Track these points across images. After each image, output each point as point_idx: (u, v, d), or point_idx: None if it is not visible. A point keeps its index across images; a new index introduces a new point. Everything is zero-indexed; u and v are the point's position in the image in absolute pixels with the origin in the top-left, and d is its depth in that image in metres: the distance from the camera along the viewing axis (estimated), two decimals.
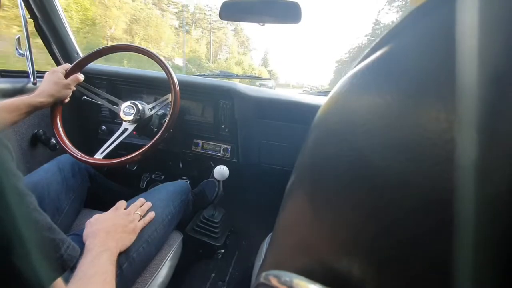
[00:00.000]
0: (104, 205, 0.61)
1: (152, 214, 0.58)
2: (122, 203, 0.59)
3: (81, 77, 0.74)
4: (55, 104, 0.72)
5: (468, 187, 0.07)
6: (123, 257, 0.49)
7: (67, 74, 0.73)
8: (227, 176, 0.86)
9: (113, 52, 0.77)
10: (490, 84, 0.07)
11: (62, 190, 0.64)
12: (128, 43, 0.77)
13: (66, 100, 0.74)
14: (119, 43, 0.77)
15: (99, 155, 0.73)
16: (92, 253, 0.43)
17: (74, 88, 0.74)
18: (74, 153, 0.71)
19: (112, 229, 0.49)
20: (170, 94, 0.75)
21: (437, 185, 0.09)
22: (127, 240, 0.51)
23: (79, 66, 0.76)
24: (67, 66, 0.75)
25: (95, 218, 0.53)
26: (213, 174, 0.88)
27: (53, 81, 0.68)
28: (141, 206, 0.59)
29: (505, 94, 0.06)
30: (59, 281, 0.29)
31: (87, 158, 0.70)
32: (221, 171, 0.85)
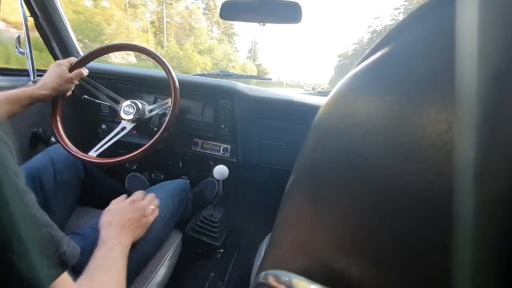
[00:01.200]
0: (105, 204, 0.61)
1: (157, 212, 0.60)
2: (139, 194, 0.60)
3: (85, 72, 0.74)
4: (56, 98, 0.72)
5: (467, 189, 0.07)
6: None
7: (71, 68, 0.72)
8: (227, 175, 0.86)
9: (119, 50, 0.78)
10: (490, 85, 0.07)
11: (53, 182, 0.63)
12: (131, 43, 0.77)
13: (68, 94, 0.73)
14: (124, 43, 0.77)
15: (93, 153, 0.73)
16: (106, 245, 0.45)
17: (77, 83, 0.74)
18: (71, 150, 0.70)
19: (127, 224, 0.51)
20: (170, 99, 0.75)
21: (437, 186, 0.09)
22: (137, 234, 0.52)
23: (84, 62, 0.75)
24: (73, 59, 0.74)
25: (114, 208, 0.55)
26: (212, 173, 0.88)
27: (57, 74, 0.68)
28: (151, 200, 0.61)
29: (505, 96, 0.06)
30: (65, 277, 0.29)
31: (82, 155, 0.70)
32: (220, 170, 0.85)
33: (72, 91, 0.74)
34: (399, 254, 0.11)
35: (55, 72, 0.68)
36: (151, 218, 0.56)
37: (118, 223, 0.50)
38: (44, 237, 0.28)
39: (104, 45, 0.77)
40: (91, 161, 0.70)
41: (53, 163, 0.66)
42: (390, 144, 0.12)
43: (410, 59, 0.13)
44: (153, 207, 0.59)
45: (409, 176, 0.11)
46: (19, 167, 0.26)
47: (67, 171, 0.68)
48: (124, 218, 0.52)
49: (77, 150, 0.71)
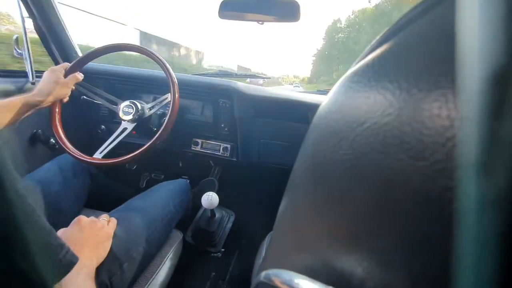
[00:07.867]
0: (105, 205, 0.61)
1: (112, 223, 0.53)
2: (81, 217, 0.51)
3: (80, 76, 0.73)
4: (54, 104, 0.72)
5: (470, 186, 0.07)
6: (124, 256, 0.49)
7: (66, 73, 0.72)
8: (217, 204, 0.78)
9: (114, 51, 0.77)
10: (492, 80, 0.07)
11: (62, 191, 0.64)
12: (129, 43, 0.76)
13: (65, 100, 0.73)
14: (120, 43, 0.76)
15: (98, 155, 0.73)
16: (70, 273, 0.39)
17: (73, 87, 0.74)
18: (74, 153, 0.71)
19: (82, 245, 0.45)
20: (169, 94, 0.75)
21: (439, 184, 0.09)
22: (102, 249, 0.47)
23: (79, 65, 0.75)
24: (66, 65, 0.74)
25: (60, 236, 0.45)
26: (201, 200, 0.79)
27: (52, 80, 0.67)
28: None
29: (508, 91, 0.06)
30: None
31: (86, 158, 0.70)
32: (209, 199, 0.75)
33: (70, 95, 0.74)
34: (401, 252, 0.11)
35: (50, 78, 0.67)
36: (110, 227, 0.51)
37: (74, 249, 0.41)
38: (42, 244, 0.27)
39: (99, 46, 0.76)
40: (92, 163, 0.70)
41: (61, 172, 0.67)
42: (391, 142, 0.12)
43: (411, 55, 0.13)
44: (105, 218, 0.52)
45: (411, 173, 0.11)
46: (15, 171, 0.25)
47: (75, 179, 0.69)
48: (76, 242, 0.44)
49: (79, 153, 0.71)
